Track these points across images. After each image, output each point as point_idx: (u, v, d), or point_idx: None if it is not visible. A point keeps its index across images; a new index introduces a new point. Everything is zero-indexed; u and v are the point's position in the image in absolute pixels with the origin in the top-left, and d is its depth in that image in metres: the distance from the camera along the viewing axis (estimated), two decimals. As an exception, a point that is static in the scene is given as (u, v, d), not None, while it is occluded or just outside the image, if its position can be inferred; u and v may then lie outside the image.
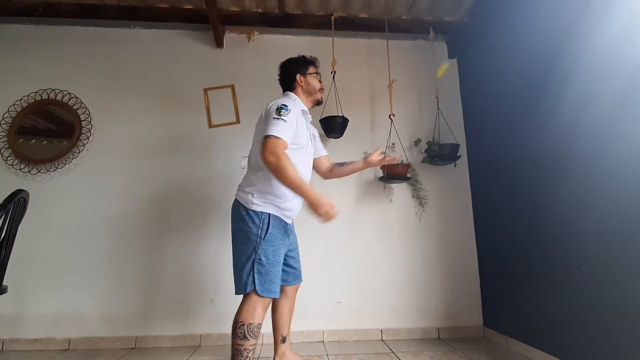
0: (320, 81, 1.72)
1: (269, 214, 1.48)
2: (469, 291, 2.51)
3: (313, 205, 1.41)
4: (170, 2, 2.59)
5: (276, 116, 1.43)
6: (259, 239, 1.44)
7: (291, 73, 1.69)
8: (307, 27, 2.70)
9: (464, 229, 2.60)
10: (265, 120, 1.49)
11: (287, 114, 1.45)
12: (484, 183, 2.51)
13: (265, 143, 1.41)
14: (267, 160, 1.40)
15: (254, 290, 1.40)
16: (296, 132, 1.50)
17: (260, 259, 1.43)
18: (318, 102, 1.73)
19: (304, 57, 1.74)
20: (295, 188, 1.42)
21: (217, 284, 2.37)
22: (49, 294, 2.30)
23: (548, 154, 1.85)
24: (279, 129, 1.41)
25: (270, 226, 1.47)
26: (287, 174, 1.39)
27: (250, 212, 1.48)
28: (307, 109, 1.66)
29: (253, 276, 1.41)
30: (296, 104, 1.59)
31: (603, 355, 1.52)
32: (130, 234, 2.41)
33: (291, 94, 1.68)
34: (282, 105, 1.47)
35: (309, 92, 1.69)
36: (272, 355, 1.73)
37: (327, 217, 1.42)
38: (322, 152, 1.91)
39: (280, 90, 1.78)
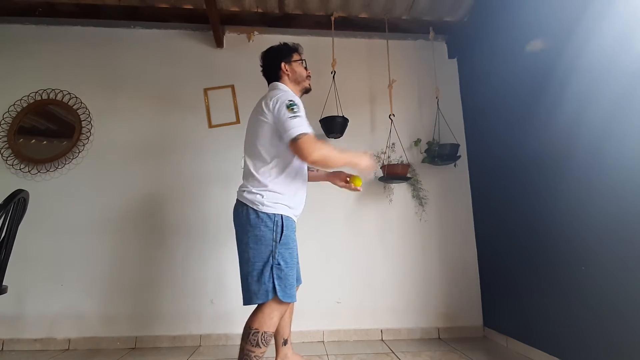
0: (306, 68, 1.64)
1: (282, 215, 1.40)
2: (469, 291, 2.51)
3: (361, 166, 1.50)
4: (170, 2, 2.59)
5: (291, 115, 1.37)
6: (274, 243, 1.36)
7: (276, 62, 1.60)
8: (307, 27, 2.70)
9: (464, 229, 2.60)
10: (277, 122, 1.40)
11: (299, 109, 1.40)
12: (484, 183, 2.51)
13: (298, 146, 1.34)
14: (314, 161, 1.37)
15: (275, 296, 1.33)
16: None
17: (279, 264, 1.34)
18: (307, 90, 1.65)
19: (286, 44, 1.64)
20: (347, 162, 1.47)
21: (217, 284, 2.37)
22: (49, 294, 2.30)
23: (548, 154, 1.85)
24: (302, 126, 1.36)
25: (284, 228, 1.39)
26: (336, 159, 1.41)
27: (262, 214, 1.38)
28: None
29: (273, 282, 1.33)
30: (295, 96, 1.51)
31: (603, 355, 1.52)
32: (130, 233, 2.41)
33: (280, 84, 1.58)
34: (290, 101, 1.40)
35: (296, 81, 1.60)
36: (274, 356, 1.72)
37: (371, 168, 1.53)
38: None
39: None
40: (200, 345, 2.29)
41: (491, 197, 2.40)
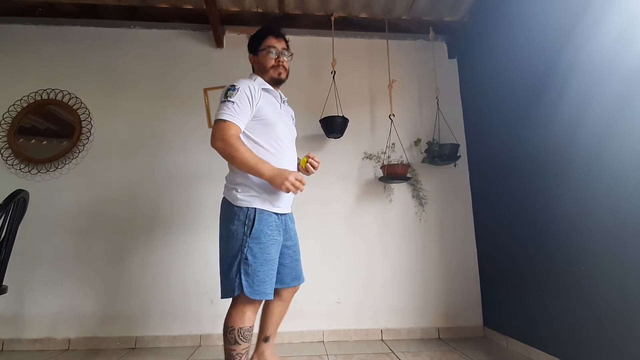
0: (276, 58, 1.52)
1: (255, 208, 1.38)
2: (469, 291, 2.51)
3: (273, 183, 1.32)
4: (170, 2, 2.59)
5: (223, 99, 1.38)
6: (244, 237, 1.34)
7: (248, 54, 1.60)
8: (307, 27, 2.70)
9: (464, 229, 2.60)
10: None
11: (235, 94, 1.36)
12: (484, 183, 2.51)
13: (213, 130, 1.36)
14: (217, 148, 1.34)
15: (242, 292, 1.30)
16: (257, 108, 1.42)
17: (246, 258, 1.32)
18: (275, 81, 1.54)
19: (260, 31, 1.58)
20: (253, 170, 1.33)
21: (217, 284, 2.35)
22: (49, 294, 2.30)
23: (548, 154, 1.85)
24: (227, 112, 1.34)
25: (256, 222, 1.36)
26: (240, 158, 1.31)
27: (236, 208, 1.38)
28: (270, 87, 1.53)
29: (240, 277, 1.31)
30: (253, 82, 1.48)
31: (603, 355, 1.52)
32: (130, 233, 2.41)
33: (253, 74, 1.59)
34: (230, 86, 1.40)
35: (261, 72, 1.55)
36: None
37: (293, 191, 1.32)
38: None
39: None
40: (200, 345, 2.29)
41: (491, 197, 2.40)
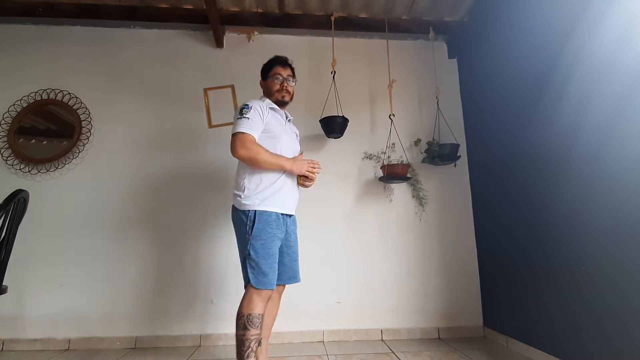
0: (281, 83, 1.75)
1: (255, 210, 1.55)
2: (469, 291, 2.51)
3: (294, 170, 1.61)
4: (170, 2, 2.59)
5: (239, 116, 1.58)
6: (247, 236, 1.53)
7: (260, 80, 1.84)
8: (307, 27, 2.70)
9: (464, 229, 2.60)
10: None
11: (249, 111, 1.58)
12: (484, 183, 2.51)
13: (233, 142, 1.55)
14: (241, 156, 1.54)
15: (250, 283, 1.50)
16: (265, 123, 1.62)
17: (249, 254, 1.51)
18: (280, 103, 1.76)
19: (269, 61, 1.81)
20: (275, 165, 1.58)
21: (217, 284, 2.37)
22: (49, 294, 2.30)
23: (548, 154, 1.85)
24: (243, 126, 1.55)
25: (256, 222, 1.53)
26: (263, 159, 1.54)
27: (240, 212, 1.57)
28: (276, 107, 1.74)
29: (247, 271, 1.51)
30: (263, 102, 1.69)
31: (603, 355, 1.52)
32: (130, 234, 2.41)
33: (263, 96, 1.82)
34: (244, 105, 1.61)
35: (269, 94, 1.78)
36: (274, 357, 1.72)
37: (312, 171, 1.65)
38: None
39: None
40: (200, 345, 2.29)
41: (491, 197, 2.40)
